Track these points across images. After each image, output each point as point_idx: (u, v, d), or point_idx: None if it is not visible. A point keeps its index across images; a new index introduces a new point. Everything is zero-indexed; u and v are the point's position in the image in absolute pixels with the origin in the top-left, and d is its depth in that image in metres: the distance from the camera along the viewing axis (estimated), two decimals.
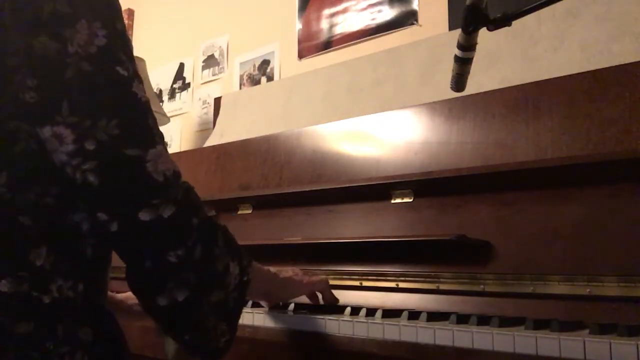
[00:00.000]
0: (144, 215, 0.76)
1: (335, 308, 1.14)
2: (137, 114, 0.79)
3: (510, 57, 1.40)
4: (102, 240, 0.82)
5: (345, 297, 1.19)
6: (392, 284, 1.22)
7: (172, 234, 0.79)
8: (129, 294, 0.97)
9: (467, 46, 1.00)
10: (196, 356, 0.88)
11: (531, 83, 1.22)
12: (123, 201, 0.77)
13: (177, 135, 2.80)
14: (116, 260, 0.84)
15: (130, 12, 3.22)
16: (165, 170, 0.78)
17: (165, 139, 2.86)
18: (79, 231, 0.79)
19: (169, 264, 0.78)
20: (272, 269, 1.08)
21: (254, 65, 2.49)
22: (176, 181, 0.80)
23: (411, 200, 1.28)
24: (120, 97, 0.77)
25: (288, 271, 1.11)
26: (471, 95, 1.26)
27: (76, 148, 0.74)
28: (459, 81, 1.06)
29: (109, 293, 1.03)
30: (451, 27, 1.80)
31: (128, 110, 0.78)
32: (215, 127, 2.19)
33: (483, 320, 0.92)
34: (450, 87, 1.08)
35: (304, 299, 1.16)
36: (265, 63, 2.44)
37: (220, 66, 2.67)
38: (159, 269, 0.79)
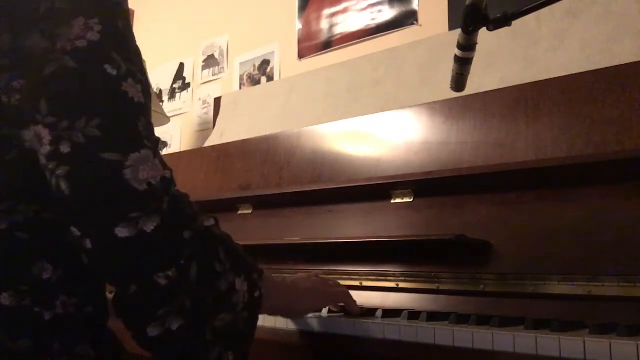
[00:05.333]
0: (121, 232, 0.65)
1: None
2: (124, 114, 0.69)
3: (510, 57, 1.40)
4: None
5: None
6: (392, 284, 1.22)
7: (159, 251, 0.68)
8: None
9: (467, 46, 1.00)
10: None
11: (531, 83, 1.22)
12: (96, 214, 0.66)
13: (177, 135, 2.80)
14: None
15: (131, 13, 3.22)
16: (150, 178, 0.68)
17: (165, 139, 2.81)
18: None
19: (158, 288, 0.68)
20: (288, 277, 0.97)
21: (254, 65, 2.49)
22: (163, 189, 0.69)
23: (411, 200, 1.28)
24: (105, 96, 0.68)
25: (306, 281, 0.99)
26: (471, 95, 1.26)
27: (52, 150, 0.66)
28: (459, 81, 1.06)
29: None
30: (451, 27, 1.79)
31: (113, 109, 0.68)
32: (215, 127, 2.19)
33: (483, 320, 0.92)
34: (450, 87, 1.08)
35: None
36: (265, 63, 2.44)
37: (220, 66, 2.66)
38: (146, 294, 0.69)
